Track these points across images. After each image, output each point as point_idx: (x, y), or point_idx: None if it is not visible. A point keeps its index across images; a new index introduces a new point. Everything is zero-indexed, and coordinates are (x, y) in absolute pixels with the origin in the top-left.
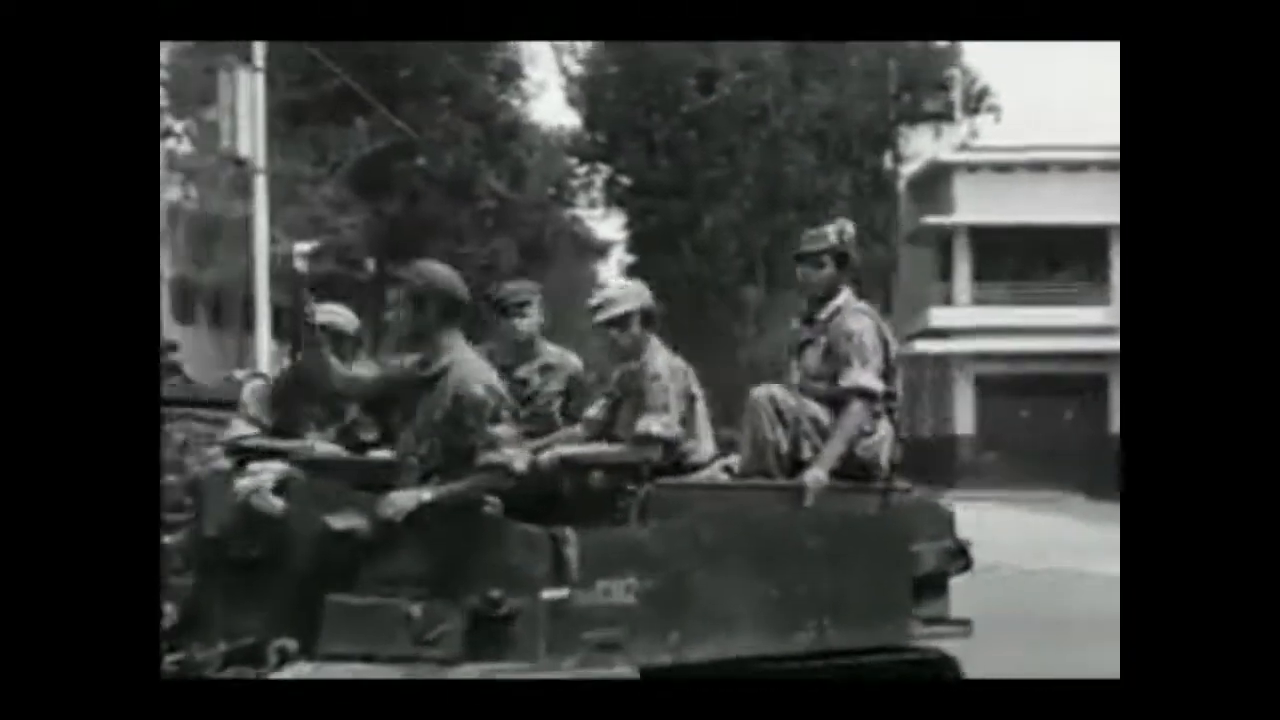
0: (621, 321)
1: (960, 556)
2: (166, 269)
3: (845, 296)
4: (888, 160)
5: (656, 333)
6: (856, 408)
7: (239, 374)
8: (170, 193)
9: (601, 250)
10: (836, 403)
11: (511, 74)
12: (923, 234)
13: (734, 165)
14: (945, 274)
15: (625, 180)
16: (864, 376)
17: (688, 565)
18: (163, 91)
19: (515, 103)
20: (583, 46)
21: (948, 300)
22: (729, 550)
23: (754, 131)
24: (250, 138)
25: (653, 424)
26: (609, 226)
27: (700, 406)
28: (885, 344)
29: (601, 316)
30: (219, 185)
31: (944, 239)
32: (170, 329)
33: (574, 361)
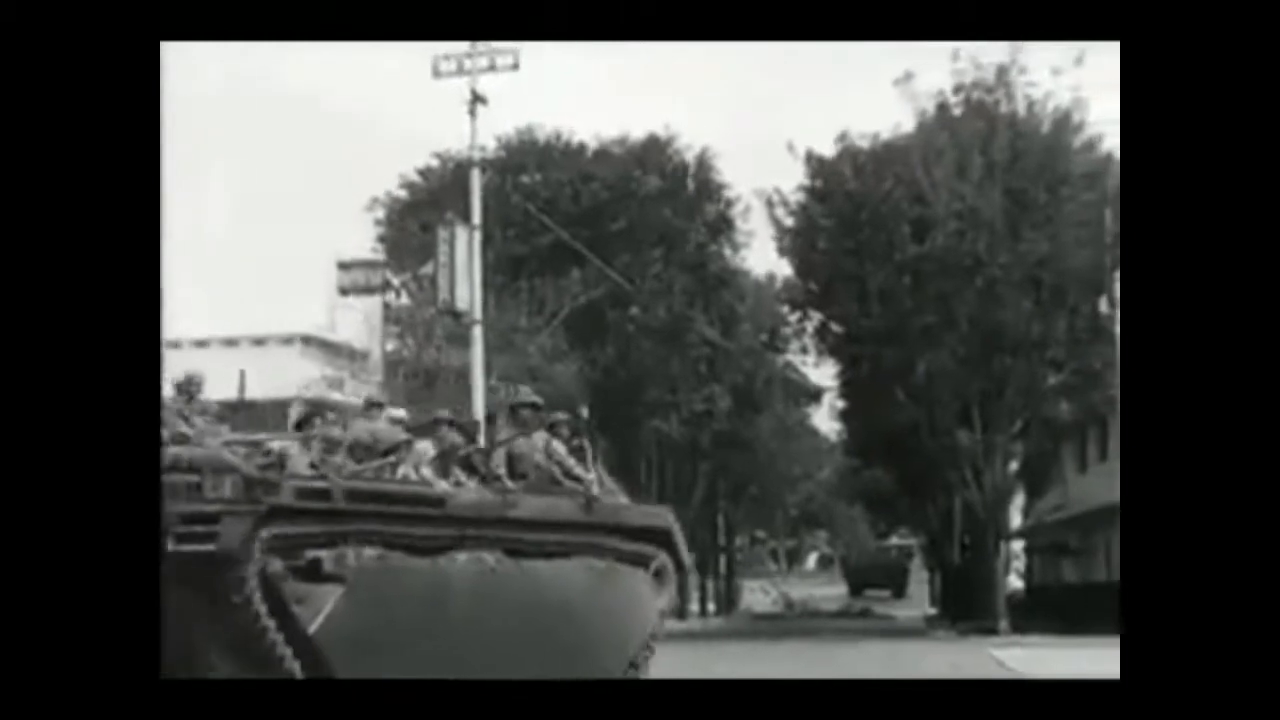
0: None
1: None
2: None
3: None
4: (1104, 305)
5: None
6: None
7: None
8: (389, 344)
9: (814, 396)
10: None
11: (722, 225)
12: None
13: (948, 312)
14: None
15: (837, 327)
16: None
17: None
18: (380, 248)
19: (727, 252)
20: (794, 199)
21: None
22: None
23: (968, 279)
24: (467, 291)
25: None
26: (821, 373)
27: None
28: None
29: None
30: (436, 338)
31: None
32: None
33: None
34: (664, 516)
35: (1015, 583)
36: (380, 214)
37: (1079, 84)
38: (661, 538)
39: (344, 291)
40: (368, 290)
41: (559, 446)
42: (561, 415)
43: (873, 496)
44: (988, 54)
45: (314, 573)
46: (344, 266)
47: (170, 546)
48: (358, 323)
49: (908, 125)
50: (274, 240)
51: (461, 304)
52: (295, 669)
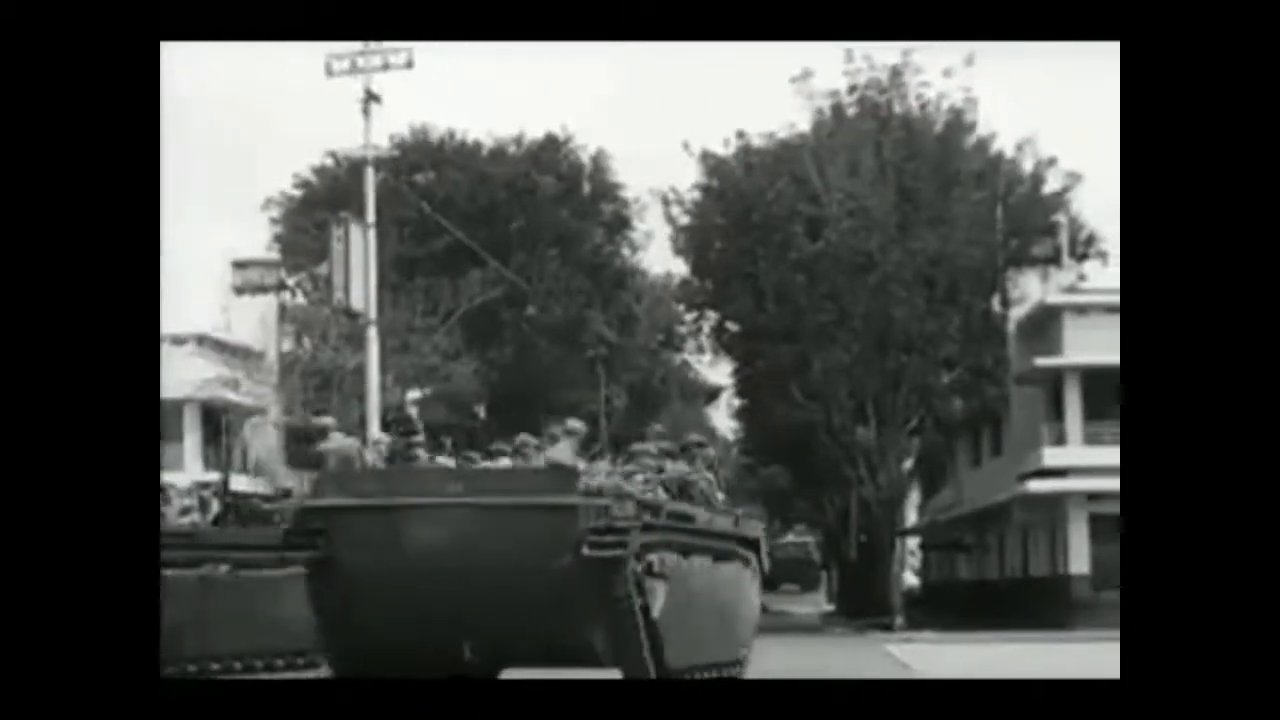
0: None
1: None
2: (281, 417)
3: None
4: (996, 303)
5: None
6: None
7: None
8: (284, 344)
9: (711, 394)
10: None
11: (619, 225)
12: (1033, 375)
13: (842, 309)
14: (1057, 414)
15: (733, 326)
16: None
17: None
18: (276, 246)
19: (625, 252)
20: (690, 198)
21: (1060, 440)
22: None
23: (862, 277)
24: (362, 291)
25: None
26: (718, 371)
27: None
28: None
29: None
30: (332, 337)
31: (1054, 380)
32: (285, 476)
33: None
34: (759, 529)
35: (911, 579)
36: (275, 213)
37: (970, 85)
38: (756, 546)
39: (239, 290)
40: (263, 289)
41: (711, 475)
42: (712, 451)
43: (770, 494)
44: (881, 54)
45: (650, 571)
46: (239, 265)
47: (585, 552)
48: (253, 322)
49: (803, 125)
50: (168, 238)
51: (356, 303)
52: (645, 642)
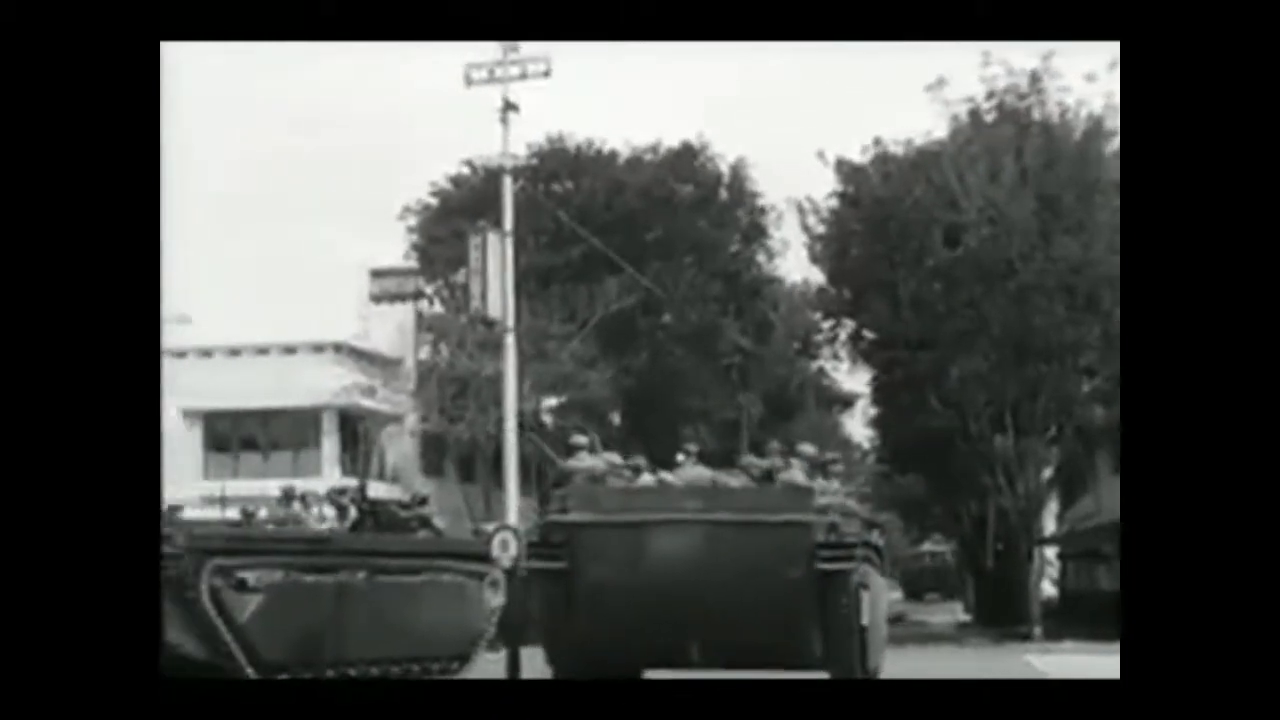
0: None
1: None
2: (417, 424)
3: None
4: None
5: None
6: None
7: (487, 527)
8: (421, 352)
9: (847, 402)
10: None
11: (756, 233)
12: None
13: (980, 317)
14: None
15: (870, 334)
16: None
17: None
18: (413, 255)
19: (760, 260)
20: (826, 206)
21: None
22: None
23: (1001, 284)
24: (500, 299)
25: None
26: (854, 379)
27: None
28: None
29: None
30: (469, 345)
31: None
32: (421, 483)
33: None
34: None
35: (1049, 589)
36: (412, 222)
37: (1111, 90)
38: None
39: (377, 299)
40: (400, 298)
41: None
42: (841, 465)
43: (906, 501)
44: (1019, 60)
45: (861, 583)
46: (377, 274)
47: (818, 566)
48: (391, 330)
49: (940, 132)
50: (307, 247)
51: (494, 311)
52: (856, 648)
